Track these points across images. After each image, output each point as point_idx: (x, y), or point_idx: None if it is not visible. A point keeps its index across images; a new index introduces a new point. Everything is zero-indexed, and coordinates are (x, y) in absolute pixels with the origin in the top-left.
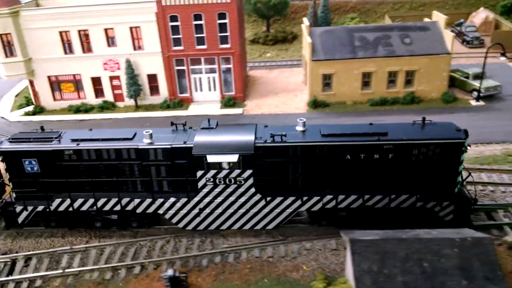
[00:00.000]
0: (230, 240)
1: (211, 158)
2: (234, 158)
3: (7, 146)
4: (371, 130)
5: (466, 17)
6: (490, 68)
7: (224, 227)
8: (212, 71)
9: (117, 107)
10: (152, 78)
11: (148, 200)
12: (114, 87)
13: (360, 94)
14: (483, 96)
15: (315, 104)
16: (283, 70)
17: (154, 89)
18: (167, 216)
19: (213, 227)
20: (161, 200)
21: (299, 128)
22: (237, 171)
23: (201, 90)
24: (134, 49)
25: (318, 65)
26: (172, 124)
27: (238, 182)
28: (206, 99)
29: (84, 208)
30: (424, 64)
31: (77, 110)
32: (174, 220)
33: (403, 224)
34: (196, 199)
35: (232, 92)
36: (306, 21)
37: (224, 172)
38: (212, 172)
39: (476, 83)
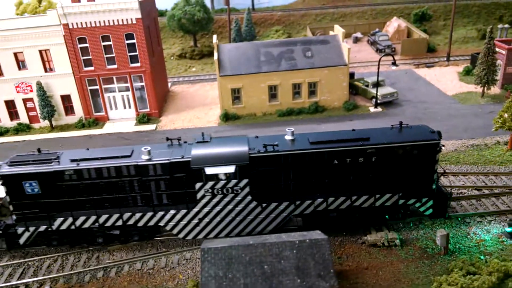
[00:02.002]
0: (116, 255)
1: (209, 170)
2: (231, 169)
3: (7, 169)
4: (355, 136)
5: (383, 26)
6: (395, 75)
7: (222, 234)
8: (126, 89)
9: (32, 128)
10: (66, 98)
11: (149, 214)
12: (28, 109)
13: (269, 106)
14: (381, 103)
15: (226, 117)
16: (204, 84)
17: (69, 109)
18: (168, 227)
19: (212, 235)
20: (161, 212)
21: (288, 137)
22: (233, 181)
23: (116, 108)
24: (46, 71)
25: (226, 80)
26: (167, 139)
27: (235, 191)
28: (122, 117)
29: (86, 225)
30: (324, 76)
31: None
32: (175, 231)
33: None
34: (195, 209)
35: (147, 108)
36: (215, 39)
37: (221, 183)
38: (210, 183)
39: (374, 91)
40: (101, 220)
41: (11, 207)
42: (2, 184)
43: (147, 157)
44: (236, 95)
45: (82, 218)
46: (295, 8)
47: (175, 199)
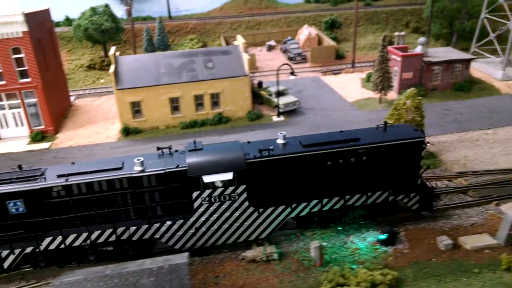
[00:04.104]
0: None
1: (207, 179)
2: (229, 176)
3: None
4: (345, 137)
5: (296, 34)
6: (302, 82)
7: (219, 242)
8: (18, 106)
9: None
10: None
11: (144, 227)
12: None
13: (171, 118)
14: (284, 112)
15: (126, 132)
16: (110, 97)
17: None
18: (164, 239)
19: (209, 244)
20: (157, 225)
21: (280, 141)
22: (231, 188)
23: (7, 126)
24: None
25: (123, 94)
26: (158, 149)
27: (232, 198)
28: (14, 135)
29: (77, 243)
30: (226, 87)
31: None
32: (171, 243)
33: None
34: (192, 219)
35: (42, 126)
36: (112, 50)
37: (219, 190)
38: (208, 191)
39: (277, 100)
40: (93, 236)
41: None
42: None
43: (140, 168)
44: (136, 108)
45: (72, 236)
46: (210, 16)
47: (171, 209)
